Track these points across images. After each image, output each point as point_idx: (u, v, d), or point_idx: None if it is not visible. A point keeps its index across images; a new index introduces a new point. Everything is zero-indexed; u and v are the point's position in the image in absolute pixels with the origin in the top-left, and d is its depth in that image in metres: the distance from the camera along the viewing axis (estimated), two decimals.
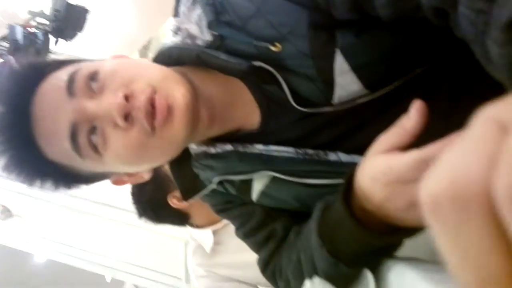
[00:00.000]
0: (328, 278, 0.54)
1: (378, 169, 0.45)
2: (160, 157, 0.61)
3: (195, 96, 0.57)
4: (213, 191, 0.72)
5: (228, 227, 1.38)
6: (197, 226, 1.41)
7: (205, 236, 1.39)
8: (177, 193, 1.30)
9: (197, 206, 1.33)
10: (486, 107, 0.19)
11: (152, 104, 0.54)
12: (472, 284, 0.16)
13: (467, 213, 0.16)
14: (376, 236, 0.47)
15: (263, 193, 0.67)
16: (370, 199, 0.46)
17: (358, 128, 0.59)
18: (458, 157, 0.17)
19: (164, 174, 1.29)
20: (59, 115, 0.57)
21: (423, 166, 0.41)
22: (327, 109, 0.58)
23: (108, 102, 0.55)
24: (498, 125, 0.17)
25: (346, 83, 0.55)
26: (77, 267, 2.44)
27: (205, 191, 0.71)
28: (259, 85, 0.61)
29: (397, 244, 0.50)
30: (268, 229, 0.71)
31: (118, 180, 0.68)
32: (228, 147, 0.65)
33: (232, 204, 0.75)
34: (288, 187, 0.64)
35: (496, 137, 0.17)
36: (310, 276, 0.56)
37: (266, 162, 0.63)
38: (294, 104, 0.58)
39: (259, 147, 0.63)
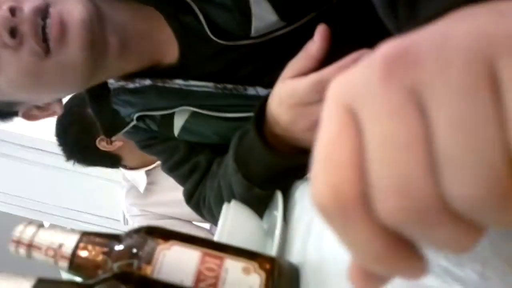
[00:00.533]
0: (244, 201, 0.57)
1: (284, 93, 0.47)
2: (60, 84, 0.57)
3: (98, 17, 0.54)
4: (136, 127, 0.72)
5: None
6: (130, 168, 1.40)
7: (138, 176, 1.39)
8: None
9: (127, 148, 1.32)
10: (332, 84, 0.18)
11: (42, 18, 0.50)
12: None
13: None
14: (283, 157, 0.50)
15: (184, 128, 0.68)
16: (278, 122, 0.49)
17: (276, 62, 0.60)
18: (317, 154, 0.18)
19: (90, 115, 1.25)
20: None
21: (321, 87, 0.43)
22: (245, 41, 0.58)
23: None
24: (345, 108, 0.17)
25: (262, 13, 0.55)
26: (13, 213, 2.37)
27: (127, 128, 0.71)
28: (175, 15, 0.59)
29: (303, 165, 0.53)
30: (192, 162, 0.73)
31: (27, 113, 0.66)
32: (147, 81, 0.64)
33: (155, 140, 0.75)
34: (208, 122, 0.65)
35: (345, 125, 0.17)
36: (229, 201, 0.58)
37: (185, 97, 0.63)
38: (212, 36, 0.57)
39: (178, 82, 0.63)
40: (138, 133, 0.75)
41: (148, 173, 1.39)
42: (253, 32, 0.57)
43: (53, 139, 1.35)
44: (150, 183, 1.39)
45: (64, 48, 0.52)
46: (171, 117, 0.67)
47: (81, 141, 1.30)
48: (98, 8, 0.55)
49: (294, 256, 0.42)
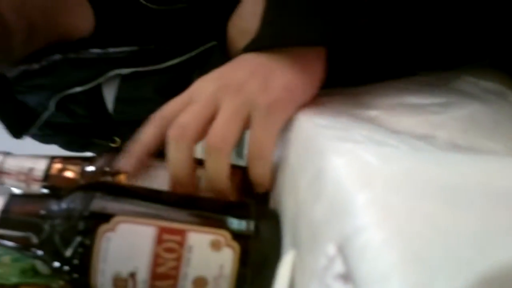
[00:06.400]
0: None
1: None
2: None
3: None
4: (54, 126, 0.61)
5: None
6: None
7: None
8: None
9: None
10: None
11: None
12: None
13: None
14: None
15: (119, 100, 0.58)
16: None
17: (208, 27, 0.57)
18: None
19: None
20: None
21: None
22: (180, 5, 0.54)
23: None
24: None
25: None
26: None
27: (40, 121, 0.59)
28: None
29: None
30: None
31: None
32: (56, 57, 0.55)
33: (81, 138, 0.64)
34: (144, 81, 0.57)
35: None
36: None
37: (107, 63, 0.56)
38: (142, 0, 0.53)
39: (95, 51, 0.55)
40: (59, 133, 0.63)
41: None
42: None
43: None
44: None
45: None
46: (98, 91, 0.57)
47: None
48: None
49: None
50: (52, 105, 0.57)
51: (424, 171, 0.22)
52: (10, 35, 0.47)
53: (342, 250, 0.18)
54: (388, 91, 0.37)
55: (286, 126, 0.38)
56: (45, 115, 0.58)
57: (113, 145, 0.61)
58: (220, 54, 0.52)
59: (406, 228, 0.17)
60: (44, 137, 0.64)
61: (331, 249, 0.18)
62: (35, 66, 0.55)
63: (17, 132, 0.59)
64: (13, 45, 0.48)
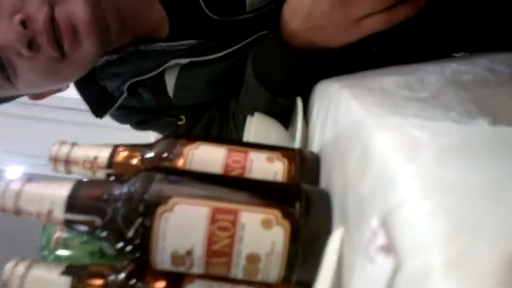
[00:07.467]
0: (268, 114, 0.58)
1: None
2: (75, 76, 0.62)
3: (99, 7, 0.55)
4: (127, 108, 0.71)
5: None
6: None
7: None
8: None
9: None
10: None
11: (52, 24, 0.52)
12: None
13: None
14: (303, 56, 0.51)
15: (177, 86, 0.66)
16: (297, 10, 0.49)
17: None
18: None
19: None
20: None
21: None
22: (241, 16, 0.58)
23: (5, 32, 0.52)
24: None
25: None
26: (57, 176, 2.48)
27: (118, 103, 0.69)
28: None
29: (321, 66, 0.53)
30: (204, 120, 0.70)
31: (36, 96, 0.68)
32: (130, 49, 0.64)
33: (152, 116, 0.73)
34: (199, 71, 0.64)
35: None
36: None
37: (170, 54, 0.63)
38: (207, 11, 0.58)
39: (160, 44, 0.63)
40: (131, 114, 0.73)
41: None
42: (248, 7, 0.58)
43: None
44: None
45: (78, 49, 0.55)
46: (161, 78, 0.65)
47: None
48: None
49: (315, 148, 0.44)
50: (124, 88, 0.66)
51: (472, 145, 0.21)
52: (109, 32, 0.57)
53: (385, 222, 0.18)
54: (432, 73, 0.35)
55: (335, 107, 0.38)
56: (121, 99, 0.68)
57: (179, 122, 0.70)
58: (274, 36, 0.52)
59: (451, 200, 0.17)
60: (120, 117, 0.74)
61: (374, 222, 0.18)
62: (114, 56, 0.64)
63: (98, 113, 0.69)
64: (110, 39, 0.58)
